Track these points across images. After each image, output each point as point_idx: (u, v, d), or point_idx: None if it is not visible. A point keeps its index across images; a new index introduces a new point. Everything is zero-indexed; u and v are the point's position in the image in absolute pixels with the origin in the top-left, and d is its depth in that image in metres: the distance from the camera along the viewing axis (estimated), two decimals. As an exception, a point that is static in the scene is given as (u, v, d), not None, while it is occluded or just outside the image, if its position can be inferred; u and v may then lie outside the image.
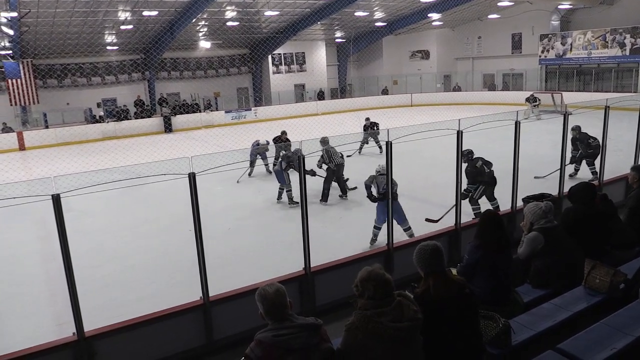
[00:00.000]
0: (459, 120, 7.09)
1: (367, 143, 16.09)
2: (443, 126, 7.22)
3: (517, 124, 7.54)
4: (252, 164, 13.60)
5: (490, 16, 31.55)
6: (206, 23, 26.74)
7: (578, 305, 4.39)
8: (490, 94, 31.49)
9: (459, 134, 6.99)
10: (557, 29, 29.65)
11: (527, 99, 24.61)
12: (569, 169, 11.14)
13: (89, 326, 4.94)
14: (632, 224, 5.78)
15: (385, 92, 35.02)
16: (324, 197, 10.90)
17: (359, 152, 15.93)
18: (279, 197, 11.34)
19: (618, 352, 3.51)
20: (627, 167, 6.52)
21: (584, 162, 11.55)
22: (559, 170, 8.53)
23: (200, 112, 28.23)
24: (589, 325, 3.83)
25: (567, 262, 4.84)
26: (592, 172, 11.17)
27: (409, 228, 8.08)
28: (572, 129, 11.16)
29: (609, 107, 9.09)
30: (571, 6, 28.26)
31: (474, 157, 9.03)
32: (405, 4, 28.59)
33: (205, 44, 29.98)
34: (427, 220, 8.24)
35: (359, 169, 11.86)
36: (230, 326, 5.48)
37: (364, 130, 16.46)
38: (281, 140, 13.92)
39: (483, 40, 34.53)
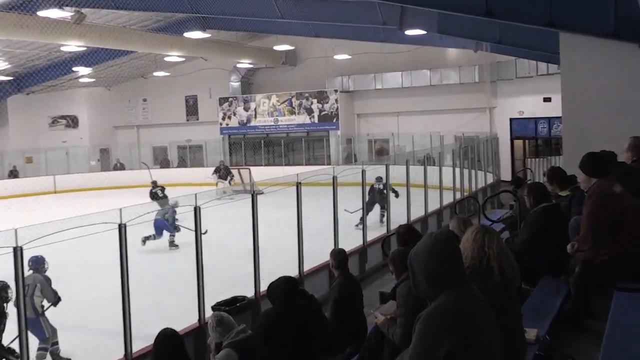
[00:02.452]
0: (121, 209, 7.10)
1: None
2: (100, 219, 7.11)
3: (197, 210, 7.92)
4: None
5: (156, 73, 33.27)
6: None
7: None
8: (165, 173, 32.53)
9: (122, 228, 6.96)
10: (238, 91, 33.11)
11: (217, 170, 26.40)
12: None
13: None
14: (338, 320, 6.51)
15: (14, 174, 32.95)
16: None
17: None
18: None
19: None
20: (327, 253, 7.38)
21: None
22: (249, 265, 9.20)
23: None
24: None
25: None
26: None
27: None
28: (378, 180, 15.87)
29: (300, 183, 10.34)
30: (251, 65, 32.02)
31: None
32: (40, 53, 27.98)
33: None
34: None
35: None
36: None
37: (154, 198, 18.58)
38: None
39: (150, 103, 36.09)
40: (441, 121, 28.13)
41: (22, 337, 6.29)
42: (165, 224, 15.31)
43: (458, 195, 18.33)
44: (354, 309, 6.73)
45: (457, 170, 19.06)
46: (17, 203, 23.75)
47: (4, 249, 6.02)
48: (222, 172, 26.73)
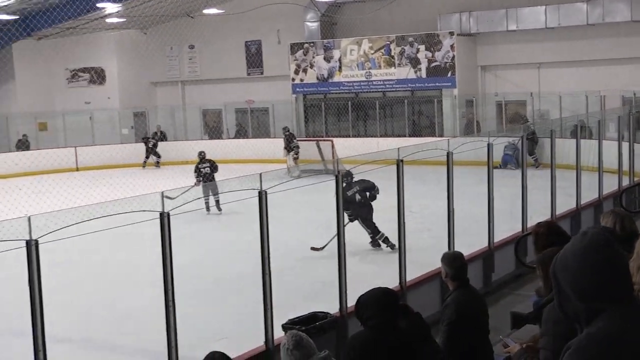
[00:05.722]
0: (163, 194, 7.34)
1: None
2: (139, 205, 7.36)
3: (262, 196, 8.07)
4: None
5: (207, 11, 33.63)
6: None
7: None
8: (216, 145, 32.92)
9: (164, 218, 7.19)
10: (317, 35, 33.18)
11: (287, 136, 27.39)
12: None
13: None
14: (453, 348, 6.53)
15: (24, 144, 34.04)
16: None
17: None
18: None
19: None
20: (438, 257, 7.40)
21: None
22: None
23: None
24: None
25: None
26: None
27: None
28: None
29: (402, 160, 10.35)
30: (334, -2, 31.82)
31: None
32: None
33: None
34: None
35: None
36: None
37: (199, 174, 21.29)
38: None
39: (199, 51, 36.73)
40: (602, 76, 27.52)
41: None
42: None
43: (626, 182, 18.01)
44: (476, 334, 6.72)
45: (625, 145, 18.67)
46: (30, 183, 24.59)
47: (16, 242, 6.28)
48: (285, 142, 27.34)
